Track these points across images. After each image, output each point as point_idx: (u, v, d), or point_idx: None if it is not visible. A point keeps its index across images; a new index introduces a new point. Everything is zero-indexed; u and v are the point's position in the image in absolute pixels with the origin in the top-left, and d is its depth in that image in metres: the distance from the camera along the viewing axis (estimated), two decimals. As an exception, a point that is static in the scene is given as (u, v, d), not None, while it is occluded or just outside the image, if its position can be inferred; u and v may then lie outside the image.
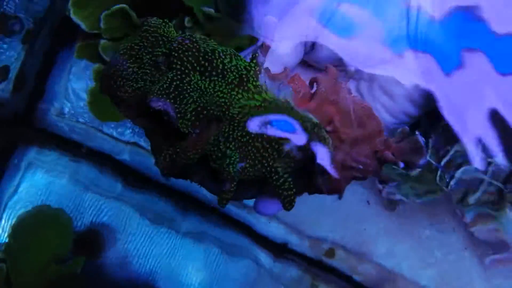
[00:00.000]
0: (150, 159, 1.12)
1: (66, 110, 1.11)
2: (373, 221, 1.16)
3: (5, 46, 1.07)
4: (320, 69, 0.54)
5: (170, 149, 0.43)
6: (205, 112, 0.41)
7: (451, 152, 0.89)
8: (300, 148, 0.41)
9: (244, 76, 0.42)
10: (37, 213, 1.04)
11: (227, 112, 0.41)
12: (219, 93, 0.41)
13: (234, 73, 0.42)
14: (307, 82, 0.47)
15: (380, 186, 1.07)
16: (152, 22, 0.45)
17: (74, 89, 1.11)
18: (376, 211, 1.13)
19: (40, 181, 1.09)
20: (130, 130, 1.14)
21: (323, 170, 0.42)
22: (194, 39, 0.42)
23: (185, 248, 1.11)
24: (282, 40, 0.47)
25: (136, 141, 1.13)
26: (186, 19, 0.94)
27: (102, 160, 1.12)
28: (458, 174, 0.87)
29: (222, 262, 1.11)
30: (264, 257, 1.12)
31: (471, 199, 0.91)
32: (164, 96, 0.40)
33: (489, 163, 0.90)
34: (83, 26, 0.96)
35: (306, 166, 0.42)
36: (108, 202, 1.10)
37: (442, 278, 1.10)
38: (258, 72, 0.43)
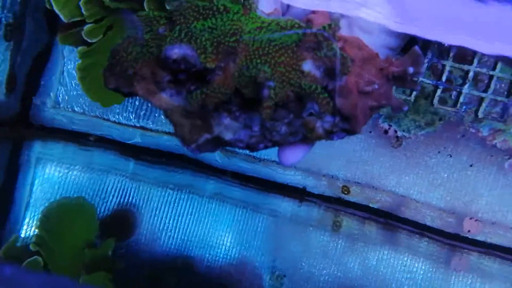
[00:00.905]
0: (161, 138, 1.13)
1: (60, 97, 1.10)
2: (380, 159, 1.22)
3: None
4: None
5: (199, 91, 0.44)
6: (221, 45, 0.42)
7: (448, 68, 0.94)
8: (319, 59, 0.42)
9: (246, 4, 0.44)
10: (60, 205, 1.04)
11: (241, 40, 0.42)
12: (228, 21, 0.42)
13: (236, 7, 0.43)
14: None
15: (386, 126, 1.14)
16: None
17: (68, 71, 1.10)
18: (383, 149, 1.20)
19: (53, 174, 1.09)
20: (134, 115, 1.14)
21: (342, 90, 0.43)
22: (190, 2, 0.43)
23: (210, 213, 1.14)
24: None
25: (143, 125, 1.14)
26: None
27: (113, 145, 1.12)
28: (465, 89, 0.93)
29: (248, 218, 1.14)
30: (288, 205, 1.16)
31: (480, 113, 0.97)
32: (178, 41, 0.41)
33: (490, 78, 0.97)
34: (61, 16, 0.96)
35: (326, 87, 0.43)
36: (127, 182, 1.11)
37: (451, 195, 1.19)
38: (255, 8, 0.45)
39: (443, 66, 0.95)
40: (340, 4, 0.46)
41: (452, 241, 1.19)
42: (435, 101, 0.98)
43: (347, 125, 0.45)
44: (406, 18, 0.43)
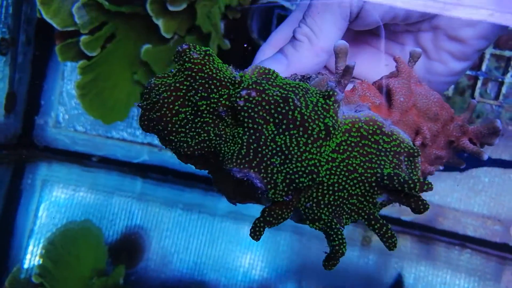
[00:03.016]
0: (166, 154, 1.06)
1: (61, 116, 1.05)
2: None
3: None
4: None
5: (261, 219, 0.40)
6: (294, 184, 0.37)
7: (487, 56, 0.82)
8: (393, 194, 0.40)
9: (330, 126, 0.38)
10: (65, 231, 0.98)
11: (317, 179, 0.38)
12: (306, 154, 0.37)
13: (318, 124, 0.38)
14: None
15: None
16: (194, 56, 0.40)
17: (67, 91, 1.05)
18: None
19: (60, 197, 1.03)
20: (140, 130, 1.08)
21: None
22: (260, 88, 0.38)
23: (224, 232, 1.05)
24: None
25: (149, 141, 1.07)
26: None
27: (117, 165, 1.06)
28: (508, 78, 0.80)
29: (268, 237, 1.05)
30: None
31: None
32: (246, 166, 0.38)
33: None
34: (54, 24, 0.91)
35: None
36: (135, 204, 1.04)
37: (494, 201, 1.06)
38: (337, 108, 0.39)
39: (482, 54, 0.83)
40: (436, 4, 0.43)
41: (501, 252, 1.06)
42: (476, 93, 0.86)
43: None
44: (502, 6, 0.41)
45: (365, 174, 0.39)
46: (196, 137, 0.40)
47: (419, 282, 1.06)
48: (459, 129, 0.44)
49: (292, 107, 0.37)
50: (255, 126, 0.38)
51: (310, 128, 0.37)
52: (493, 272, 1.06)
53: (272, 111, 0.38)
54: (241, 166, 0.38)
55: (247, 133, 0.38)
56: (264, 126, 0.38)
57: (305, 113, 0.37)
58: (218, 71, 0.40)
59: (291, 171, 0.37)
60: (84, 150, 1.05)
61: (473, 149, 0.44)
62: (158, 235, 1.05)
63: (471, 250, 1.06)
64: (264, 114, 0.38)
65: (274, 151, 0.38)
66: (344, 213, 0.41)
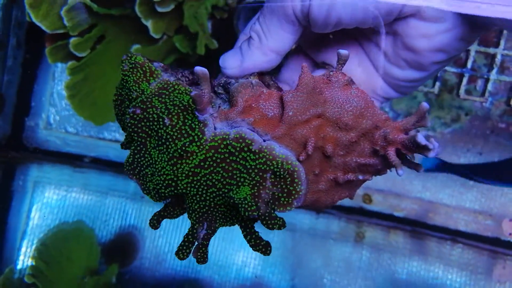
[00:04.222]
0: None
1: (52, 117, 1.05)
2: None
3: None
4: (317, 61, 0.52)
5: (159, 212, 0.47)
6: (159, 193, 0.43)
7: (472, 53, 0.82)
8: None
9: (186, 147, 0.41)
10: (58, 231, 0.98)
11: (176, 191, 0.42)
12: (164, 170, 0.42)
13: (176, 144, 0.41)
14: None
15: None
16: (124, 68, 0.45)
17: (58, 92, 1.04)
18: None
19: (52, 198, 1.03)
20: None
21: None
22: (144, 106, 0.43)
23: (218, 231, 1.05)
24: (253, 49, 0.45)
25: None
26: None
27: (109, 166, 1.06)
28: (493, 74, 0.81)
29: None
30: (304, 217, 1.06)
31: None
32: (131, 172, 0.44)
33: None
34: (44, 27, 0.90)
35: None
36: (129, 203, 1.04)
37: (486, 196, 1.06)
38: (203, 127, 0.41)
39: (467, 51, 0.83)
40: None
41: (492, 246, 1.06)
42: (462, 91, 0.86)
43: None
44: None
45: (223, 189, 0.42)
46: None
47: (412, 277, 1.07)
48: (383, 139, 0.41)
49: (161, 126, 0.42)
50: (139, 139, 0.43)
51: (170, 146, 0.41)
52: (485, 266, 1.06)
53: (151, 127, 0.42)
54: (128, 172, 0.44)
55: (135, 144, 0.44)
56: (148, 139, 0.43)
57: (169, 132, 0.41)
58: (134, 84, 0.45)
59: (156, 182, 0.42)
60: (76, 151, 1.05)
61: (394, 161, 0.40)
62: (152, 234, 1.05)
63: (463, 244, 1.07)
64: (146, 129, 0.43)
65: (148, 163, 0.43)
66: (218, 218, 0.44)
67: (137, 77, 0.45)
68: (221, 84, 0.46)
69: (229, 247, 1.05)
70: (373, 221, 1.08)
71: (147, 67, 0.45)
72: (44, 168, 1.05)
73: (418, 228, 1.07)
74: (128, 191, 1.06)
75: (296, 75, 0.54)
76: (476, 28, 0.41)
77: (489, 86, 0.82)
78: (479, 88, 0.92)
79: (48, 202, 1.03)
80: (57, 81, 1.05)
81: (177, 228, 1.05)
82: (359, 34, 0.48)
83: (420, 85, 0.49)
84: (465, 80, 0.85)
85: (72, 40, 0.92)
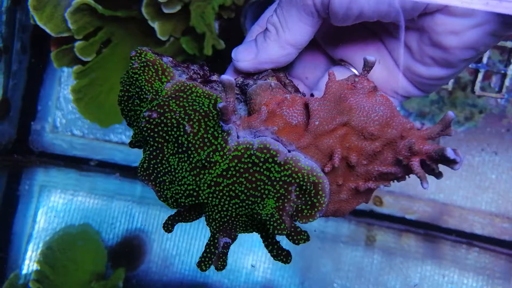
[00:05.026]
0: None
1: (58, 121, 1.04)
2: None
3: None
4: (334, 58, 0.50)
5: (174, 216, 0.45)
6: (178, 202, 0.41)
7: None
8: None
9: (210, 158, 0.40)
10: (63, 235, 0.97)
11: (197, 201, 0.41)
12: (185, 179, 0.40)
13: (199, 153, 0.40)
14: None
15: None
16: (134, 66, 0.43)
17: (64, 96, 1.04)
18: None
19: (58, 202, 1.02)
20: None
21: None
22: (161, 110, 0.41)
23: (225, 234, 1.03)
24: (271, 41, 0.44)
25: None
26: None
27: (116, 169, 1.05)
28: (510, 70, 0.77)
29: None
30: (313, 222, 1.04)
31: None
32: (146, 178, 0.43)
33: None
34: (48, 30, 0.90)
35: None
36: (136, 207, 1.03)
37: (502, 198, 1.02)
38: (227, 136, 0.40)
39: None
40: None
41: (510, 250, 1.03)
42: (477, 87, 0.83)
43: None
44: None
45: (246, 201, 0.40)
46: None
47: (425, 281, 1.03)
48: (408, 149, 0.39)
49: (182, 133, 0.40)
50: (156, 144, 0.42)
51: (192, 156, 0.39)
52: (503, 271, 1.03)
53: (169, 133, 0.40)
54: (142, 178, 0.43)
55: (150, 149, 0.42)
56: (165, 144, 0.41)
57: (191, 140, 0.39)
58: (146, 84, 0.43)
59: (175, 191, 0.41)
60: (82, 154, 1.04)
61: (419, 173, 0.39)
62: (159, 237, 1.04)
63: (479, 248, 1.03)
64: (164, 134, 0.41)
65: (166, 170, 0.41)
66: (238, 227, 0.43)
67: (149, 76, 0.43)
68: (238, 85, 0.44)
69: (238, 251, 1.03)
70: (384, 224, 1.05)
71: (159, 65, 0.43)
72: (50, 172, 1.04)
73: (432, 231, 1.04)
74: (135, 195, 1.05)
75: (310, 72, 0.52)
76: (509, 23, 0.38)
77: (507, 82, 0.79)
78: (493, 85, 0.89)
79: (54, 206, 1.03)
80: (63, 85, 1.05)
81: (185, 232, 1.04)
82: (380, 29, 0.46)
83: (445, 83, 0.47)
84: (480, 76, 0.82)
85: (77, 44, 0.91)
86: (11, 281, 0.89)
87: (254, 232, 0.44)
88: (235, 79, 0.45)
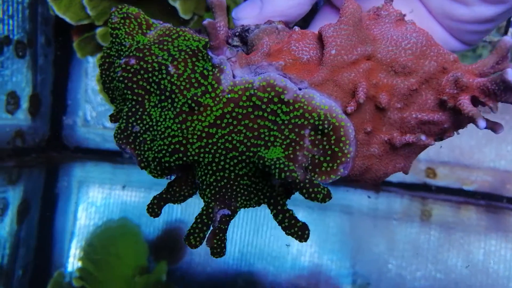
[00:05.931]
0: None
1: (88, 114, 1.03)
2: (468, 127, 0.99)
3: (6, 72, 0.98)
4: None
5: (161, 195, 0.38)
6: (161, 164, 0.34)
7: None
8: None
9: (197, 98, 0.32)
10: (104, 230, 0.96)
11: (186, 159, 0.33)
12: (169, 130, 0.32)
13: (184, 95, 0.32)
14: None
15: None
16: (113, 20, 0.36)
17: (92, 88, 1.02)
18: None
19: (97, 197, 1.01)
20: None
21: None
22: (141, 54, 0.33)
23: (269, 218, 0.99)
24: None
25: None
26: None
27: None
28: None
29: (316, 219, 0.97)
30: (362, 197, 0.97)
31: None
32: (124, 141, 0.35)
33: None
34: (67, 19, 0.87)
35: None
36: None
37: None
38: (219, 73, 0.32)
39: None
40: None
41: None
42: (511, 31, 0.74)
43: None
44: None
45: (247, 153, 0.32)
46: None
47: (490, 257, 0.95)
48: (453, 84, 0.31)
49: (164, 75, 0.32)
50: (135, 97, 0.34)
51: (176, 100, 0.32)
52: None
53: (150, 80, 0.33)
54: (119, 142, 0.35)
55: (129, 105, 0.34)
56: (146, 97, 0.34)
57: (175, 82, 0.32)
58: (127, 36, 0.35)
59: (157, 149, 0.33)
60: (115, 147, 1.02)
61: (471, 111, 0.30)
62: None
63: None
64: (144, 84, 0.33)
65: (147, 126, 0.34)
66: (239, 194, 0.34)
67: (130, 28, 0.36)
68: (237, 34, 0.37)
69: (283, 235, 0.98)
70: (440, 197, 0.97)
71: (143, 19, 0.36)
72: (86, 167, 1.03)
73: (494, 202, 0.95)
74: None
75: None
76: None
77: None
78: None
79: (94, 201, 1.01)
80: (90, 76, 1.03)
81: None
82: None
83: (492, 28, 0.38)
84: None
85: (98, 30, 0.89)
86: (56, 279, 0.88)
87: (262, 204, 0.36)
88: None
